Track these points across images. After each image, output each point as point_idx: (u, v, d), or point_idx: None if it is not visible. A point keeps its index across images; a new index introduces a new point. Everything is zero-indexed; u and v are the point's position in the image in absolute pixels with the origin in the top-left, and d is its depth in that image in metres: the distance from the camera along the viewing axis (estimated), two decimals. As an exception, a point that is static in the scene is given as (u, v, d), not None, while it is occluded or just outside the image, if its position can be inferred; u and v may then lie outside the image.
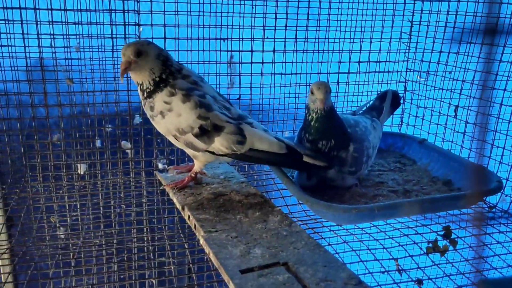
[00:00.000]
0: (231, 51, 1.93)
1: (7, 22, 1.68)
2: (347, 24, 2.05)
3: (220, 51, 1.91)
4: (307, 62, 2.04)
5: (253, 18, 1.90)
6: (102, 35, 1.78)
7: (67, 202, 1.87)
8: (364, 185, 1.66)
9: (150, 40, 1.54)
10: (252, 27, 1.92)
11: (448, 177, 1.69)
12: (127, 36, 1.78)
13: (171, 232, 1.79)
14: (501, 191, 1.51)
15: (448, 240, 1.42)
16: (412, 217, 1.50)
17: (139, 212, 1.89)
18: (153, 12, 1.79)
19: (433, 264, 1.31)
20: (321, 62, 2.06)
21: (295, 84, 2.06)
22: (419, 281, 1.28)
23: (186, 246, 1.67)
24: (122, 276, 1.77)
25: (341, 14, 2.04)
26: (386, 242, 1.44)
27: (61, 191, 1.87)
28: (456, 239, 1.43)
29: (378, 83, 2.19)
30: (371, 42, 2.12)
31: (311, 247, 1.19)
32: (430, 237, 1.46)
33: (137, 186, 1.96)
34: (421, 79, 2.16)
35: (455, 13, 1.97)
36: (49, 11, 1.70)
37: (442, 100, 2.06)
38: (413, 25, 2.16)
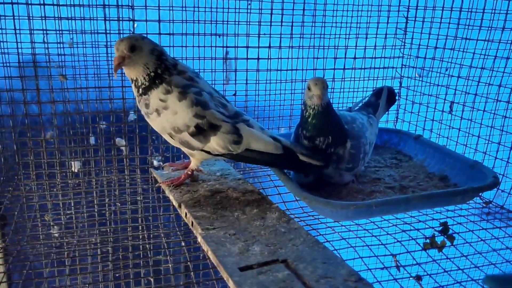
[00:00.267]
0: (226, 47, 1.91)
1: (-2, 17, 1.66)
2: (343, 20, 2.05)
3: (216, 47, 1.89)
4: (302, 58, 2.03)
5: (248, 14, 1.89)
6: (96, 31, 1.75)
7: (61, 200, 1.85)
8: (361, 182, 1.66)
9: (145, 35, 1.53)
10: (248, 23, 1.90)
11: (444, 172, 1.69)
12: (121, 31, 1.76)
13: (167, 229, 1.78)
14: (497, 187, 1.51)
15: (445, 236, 1.42)
16: (409, 213, 1.50)
17: (134, 209, 1.87)
18: (147, 7, 1.77)
19: (432, 260, 1.31)
20: (317, 58, 2.06)
21: (290, 80, 2.05)
22: (418, 277, 1.28)
23: (183, 244, 1.66)
24: (117, 275, 1.75)
25: (336, 10, 2.03)
26: (384, 238, 1.44)
27: (55, 189, 1.85)
28: (453, 234, 1.43)
29: (373, 79, 2.18)
30: (366, 38, 2.11)
31: (310, 243, 1.18)
32: (426, 232, 1.46)
33: (132, 183, 1.94)
34: (418, 76, 2.16)
35: (450, 9, 1.97)
36: (42, 6, 1.68)
37: (438, 96, 2.06)
38: (408, 21, 2.16)
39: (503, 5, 1.81)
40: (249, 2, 1.88)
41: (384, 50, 2.16)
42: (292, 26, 1.98)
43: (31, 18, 1.67)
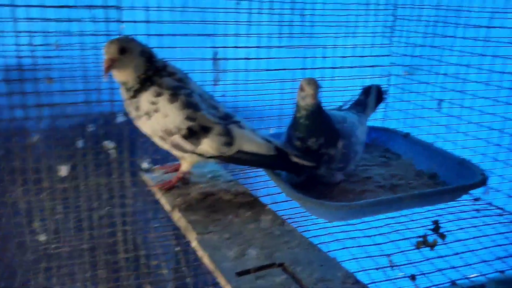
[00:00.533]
0: (215, 47, 1.89)
1: (-19, 19, 1.61)
2: (332, 19, 2.05)
3: (204, 47, 1.88)
4: (292, 58, 2.02)
5: (237, 14, 1.87)
6: (83, 33, 1.72)
7: (48, 206, 1.81)
8: (352, 181, 1.67)
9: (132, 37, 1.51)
10: (237, 23, 1.89)
11: (433, 170, 1.71)
12: (108, 33, 1.73)
13: (157, 233, 1.77)
14: (486, 184, 1.53)
15: (438, 234, 1.44)
16: (401, 211, 1.51)
17: (123, 213, 1.85)
18: (135, 8, 1.75)
19: (426, 259, 1.32)
20: (306, 58, 2.05)
21: (280, 80, 2.04)
22: (413, 277, 1.29)
23: (175, 249, 1.65)
24: (105, 278, 1.73)
25: (325, 9, 2.03)
26: (377, 238, 1.44)
27: (42, 195, 1.81)
28: (444, 233, 1.44)
29: (362, 78, 2.19)
30: (355, 36, 2.12)
31: (305, 246, 1.18)
32: (419, 232, 1.48)
33: (121, 187, 1.91)
34: (407, 73, 2.18)
35: (436, 7, 1.99)
36: (27, 8, 1.64)
37: (425, 93, 2.08)
38: (396, 20, 2.17)
39: (487, 3, 1.84)
40: (238, 2, 1.87)
41: (372, 48, 2.17)
42: (280, 25, 1.97)
43: (16, 20, 1.63)
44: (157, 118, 1.38)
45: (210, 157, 1.42)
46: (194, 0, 1.80)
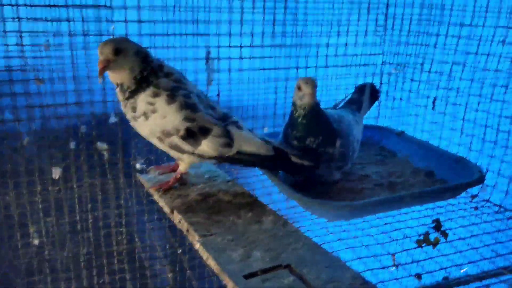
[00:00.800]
0: (208, 46, 1.87)
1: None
2: (324, 18, 2.04)
3: (198, 47, 1.85)
4: (285, 56, 2.01)
5: (230, 13, 1.85)
6: (73, 32, 1.68)
7: (41, 209, 1.77)
8: (349, 179, 1.67)
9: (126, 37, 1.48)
10: (230, 22, 1.87)
11: (430, 168, 1.72)
12: (99, 33, 1.69)
13: (153, 235, 1.74)
14: (483, 182, 1.54)
15: (439, 232, 1.44)
16: (400, 210, 1.52)
17: (118, 214, 1.82)
18: (126, 7, 1.71)
19: (429, 258, 1.32)
20: (299, 56, 2.04)
21: (273, 79, 2.03)
22: (418, 276, 1.29)
23: (176, 251, 1.62)
24: (101, 281, 1.70)
25: (317, 8, 2.02)
26: (379, 237, 1.44)
27: (35, 198, 1.77)
28: (446, 231, 1.45)
29: (355, 76, 2.19)
30: (347, 35, 2.12)
31: (310, 247, 1.17)
32: (420, 230, 1.48)
33: (115, 188, 1.88)
34: (397, 71, 2.18)
35: (427, 5, 2.00)
36: (15, 7, 1.59)
37: (418, 91, 2.09)
38: (387, 18, 2.17)
39: (482, 2, 1.85)
40: (231, 0, 1.85)
41: (364, 47, 2.17)
42: (274, 24, 1.96)
43: (4, 19, 1.58)
44: (154, 119, 1.35)
45: (210, 157, 1.40)
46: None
